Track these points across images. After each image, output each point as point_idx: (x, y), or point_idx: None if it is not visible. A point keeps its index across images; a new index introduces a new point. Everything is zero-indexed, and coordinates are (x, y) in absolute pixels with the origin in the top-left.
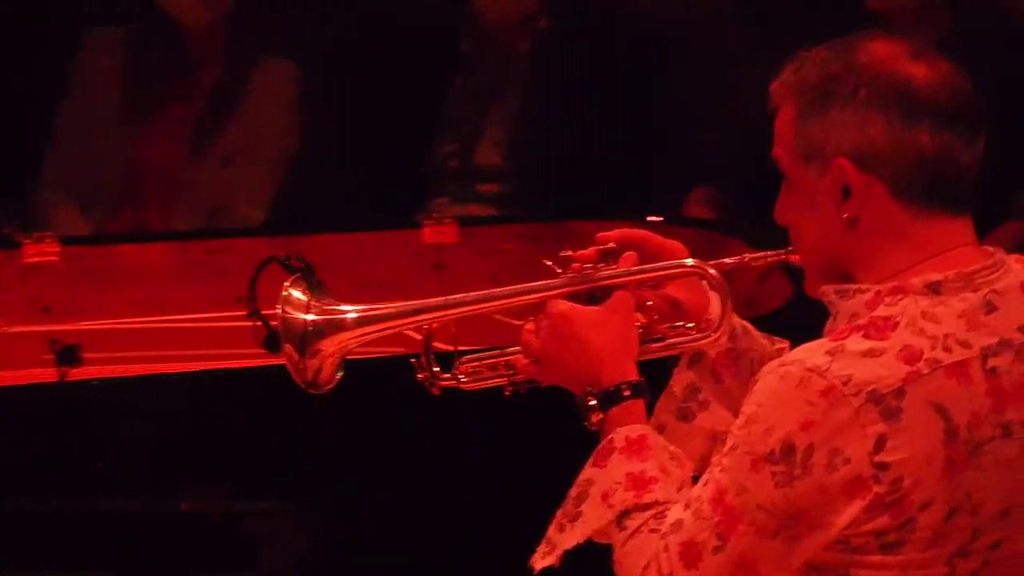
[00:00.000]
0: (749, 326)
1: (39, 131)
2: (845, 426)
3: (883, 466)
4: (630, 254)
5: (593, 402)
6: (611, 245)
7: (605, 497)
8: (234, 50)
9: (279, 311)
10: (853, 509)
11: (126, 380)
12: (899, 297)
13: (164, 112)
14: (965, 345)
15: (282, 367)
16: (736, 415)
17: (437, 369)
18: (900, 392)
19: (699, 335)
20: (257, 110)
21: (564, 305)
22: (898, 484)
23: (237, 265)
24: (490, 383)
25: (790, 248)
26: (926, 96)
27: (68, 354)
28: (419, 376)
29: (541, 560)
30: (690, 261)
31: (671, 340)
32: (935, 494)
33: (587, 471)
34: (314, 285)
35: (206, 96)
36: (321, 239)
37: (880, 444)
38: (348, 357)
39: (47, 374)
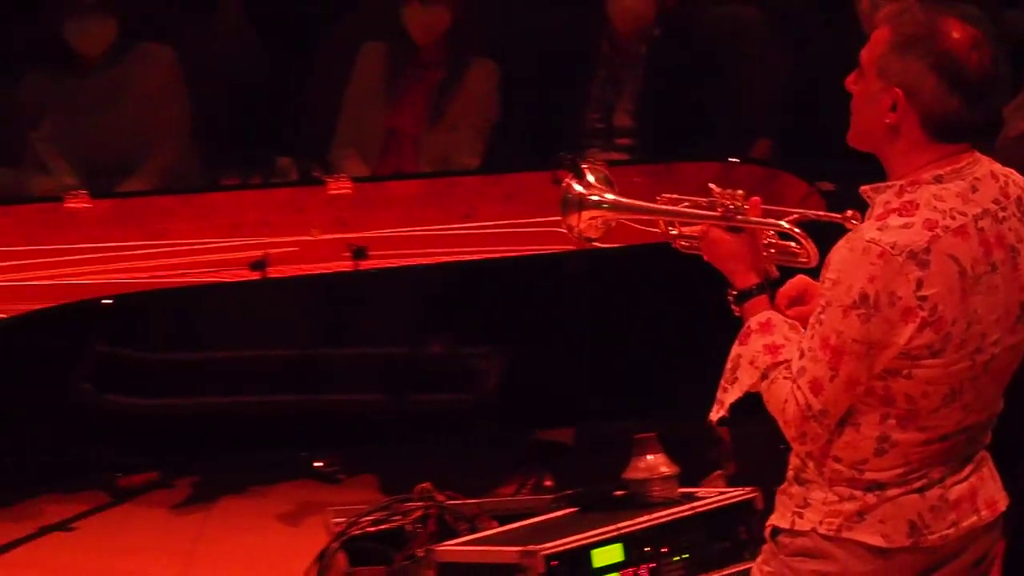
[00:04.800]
0: None
1: (333, 111)
2: (895, 275)
3: (923, 299)
4: (756, 199)
5: (733, 296)
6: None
7: (752, 363)
8: (452, 55)
9: (568, 182)
10: (908, 330)
11: (398, 269)
12: (917, 187)
13: (408, 94)
14: (963, 214)
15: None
16: None
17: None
18: (927, 249)
19: (800, 262)
20: (467, 94)
21: (716, 233)
22: (935, 310)
23: (463, 195)
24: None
25: (849, 217)
26: (969, 79)
27: (359, 252)
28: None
29: (715, 415)
30: (785, 223)
31: (781, 261)
32: (958, 314)
33: (736, 349)
34: (600, 176)
35: (436, 85)
36: (519, 177)
37: (919, 285)
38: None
39: (346, 266)
